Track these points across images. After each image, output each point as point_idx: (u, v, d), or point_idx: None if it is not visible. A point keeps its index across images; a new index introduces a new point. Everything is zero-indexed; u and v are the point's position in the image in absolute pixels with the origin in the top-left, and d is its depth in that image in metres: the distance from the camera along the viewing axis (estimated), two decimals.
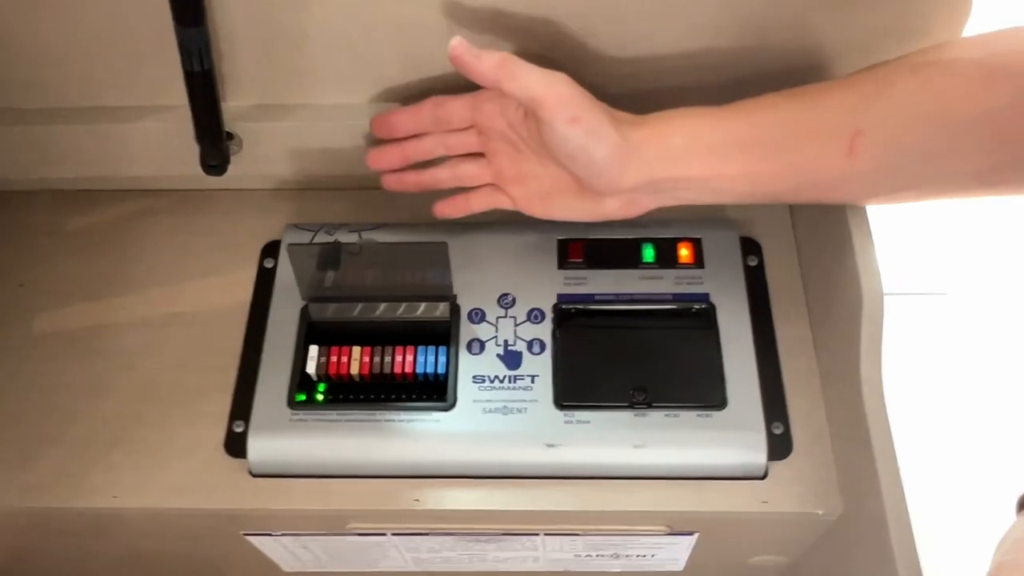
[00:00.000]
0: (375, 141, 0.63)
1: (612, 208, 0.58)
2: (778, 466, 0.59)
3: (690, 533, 0.63)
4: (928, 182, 0.51)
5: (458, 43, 0.51)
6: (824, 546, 0.62)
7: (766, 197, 0.56)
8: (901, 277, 0.91)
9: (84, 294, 0.68)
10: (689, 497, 0.58)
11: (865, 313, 0.55)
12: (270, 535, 0.65)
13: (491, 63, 0.51)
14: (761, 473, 0.59)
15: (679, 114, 0.54)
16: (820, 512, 0.58)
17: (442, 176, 0.61)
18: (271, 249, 0.68)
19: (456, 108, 0.58)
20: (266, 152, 0.66)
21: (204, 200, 0.72)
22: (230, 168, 0.66)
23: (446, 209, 0.62)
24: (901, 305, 0.88)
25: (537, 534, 0.64)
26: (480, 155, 0.60)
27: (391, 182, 0.63)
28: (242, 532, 0.65)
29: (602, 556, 0.69)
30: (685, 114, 0.54)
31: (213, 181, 0.71)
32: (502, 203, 0.61)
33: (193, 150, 0.64)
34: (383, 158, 0.62)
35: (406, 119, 0.60)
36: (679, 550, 0.67)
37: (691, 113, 0.54)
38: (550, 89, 0.51)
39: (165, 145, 0.65)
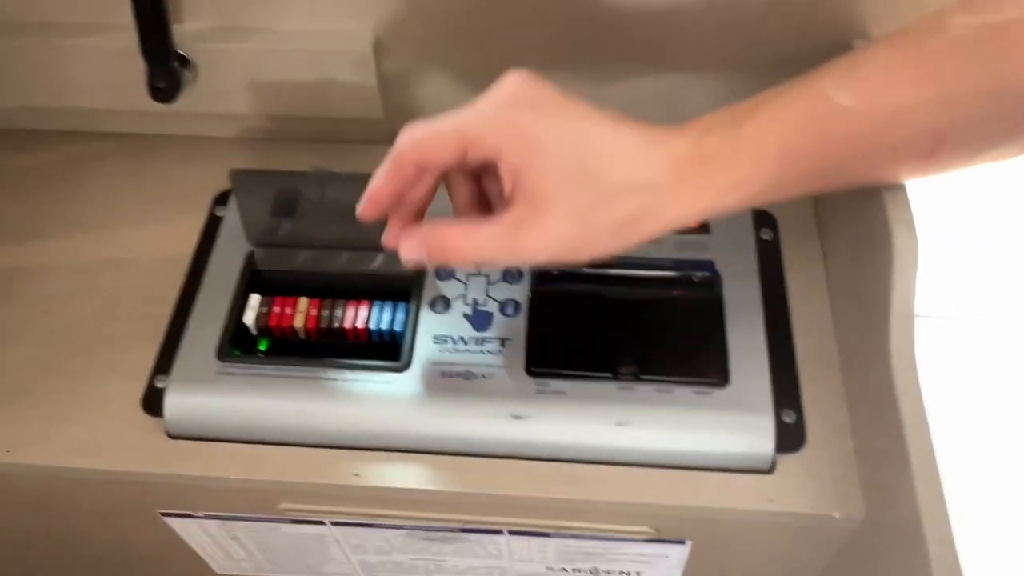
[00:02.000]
0: (351, 82, 0.55)
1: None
2: (788, 460, 0.50)
3: (681, 542, 0.53)
4: (999, 153, 0.42)
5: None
6: (844, 563, 0.52)
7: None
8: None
9: (6, 234, 0.61)
10: (680, 490, 0.49)
11: (896, 271, 0.46)
12: (191, 516, 0.56)
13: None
14: (767, 466, 0.49)
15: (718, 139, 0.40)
16: (837, 515, 0.48)
17: None
18: (225, 198, 0.61)
19: (439, 157, 0.40)
20: (224, 82, 0.59)
21: (157, 145, 0.65)
22: (185, 106, 0.60)
23: None
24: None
25: (500, 531, 0.54)
26: None
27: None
28: (159, 511, 0.55)
29: (579, 572, 0.59)
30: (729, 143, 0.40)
31: (168, 126, 0.65)
32: None
33: (144, 81, 0.57)
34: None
35: (387, 188, 0.42)
36: (670, 566, 0.57)
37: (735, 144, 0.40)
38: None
39: (111, 71, 0.59)
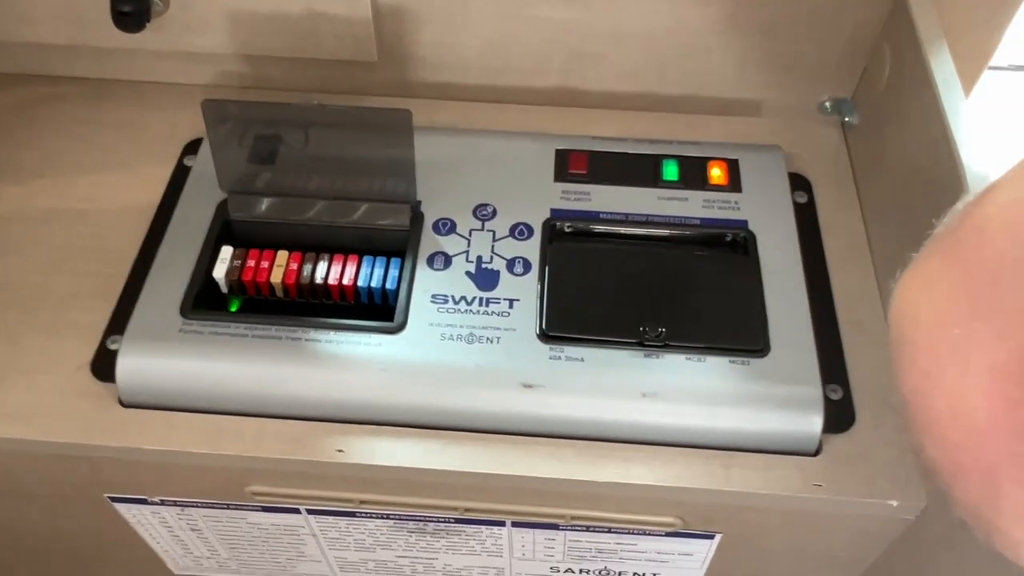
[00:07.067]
0: (342, 15, 0.49)
1: None
2: (836, 441, 0.44)
3: (710, 536, 0.47)
4: None
5: None
6: (893, 564, 0.46)
7: None
8: None
9: None
10: (713, 473, 0.42)
11: None
12: (144, 501, 0.48)
13: None
14: (813, 447, 0.43)
15: None
16: (895, 503, 0.42)
17: None
18: (195, 147, 0.54)
19: None
20: (198, 13, 0.52)
21: (122, 91, 0.58)
22: (153, 41, 0.53)
23: None
24: None
25: (503, 522, 0.47)
26: None
27: None
28: (107, 494, 0.48)
29: (588, 574, 0.52)
30: None
31: (132, 69, 0.58)
32: None
33: (107, 9, 0.50)
34: None
35: None
36: (691, 567, 0.50)
37: None
38: None
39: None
